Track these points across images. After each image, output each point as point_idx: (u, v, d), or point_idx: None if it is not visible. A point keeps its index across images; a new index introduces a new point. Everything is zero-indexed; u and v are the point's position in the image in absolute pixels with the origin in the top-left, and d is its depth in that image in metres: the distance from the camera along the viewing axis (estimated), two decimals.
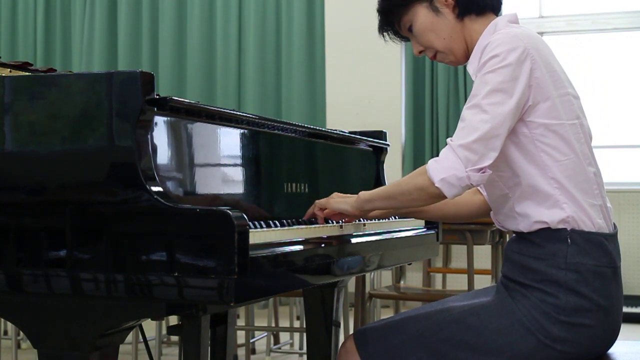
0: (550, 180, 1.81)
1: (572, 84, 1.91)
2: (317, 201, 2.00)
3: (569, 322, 1.79)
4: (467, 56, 1.98)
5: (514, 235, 1.93)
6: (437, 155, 1.83)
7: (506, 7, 2.67)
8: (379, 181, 2.60)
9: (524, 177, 1.83)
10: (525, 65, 1.79)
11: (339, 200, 1.98)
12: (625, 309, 4.96)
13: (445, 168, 1.77)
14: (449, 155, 1.78)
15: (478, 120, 1.77)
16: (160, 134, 1.63)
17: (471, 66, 1.93)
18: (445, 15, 1.95)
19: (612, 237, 1.87)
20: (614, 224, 1.92)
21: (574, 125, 1.84)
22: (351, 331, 3.86)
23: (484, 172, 1.77)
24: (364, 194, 1.95)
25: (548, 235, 1.82)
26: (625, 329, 1.95)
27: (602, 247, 1.82)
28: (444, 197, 1.81)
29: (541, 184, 1.82)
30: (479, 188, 2.15)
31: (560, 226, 1.81)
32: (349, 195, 2.01)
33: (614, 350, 1.90)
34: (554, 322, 1.78)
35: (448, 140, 1.81)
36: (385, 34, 2.07)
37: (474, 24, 1.96)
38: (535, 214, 1.83)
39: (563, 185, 1.81)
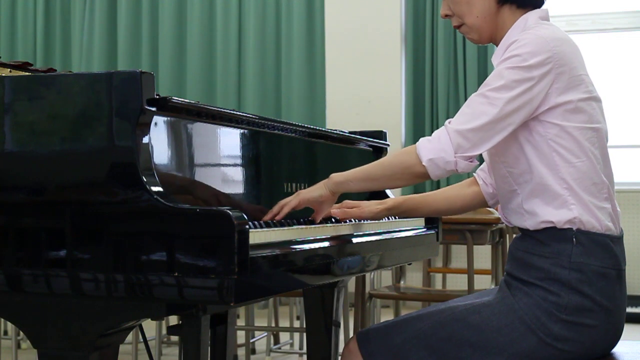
0: (560, 180, 1.81)
1: (594, 85, 1.87)
2: (283, 201, 1.91)
3: (571, 321, 1.78)
4: (490, 40, 1.95)
5: (519, 233, 1.93)
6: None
7: None
8: None
9: (535, 175, 1.82)
10: (544, 70, 1.77)
11: (308, 190, 1.94)
12: (627, 309, 4.94)
13: (436, 149, 1.80)
14: (442, 137, 1.81)
15: (481, 110, 1.78)
16: (160, 134, 1.63)
17: (496, 58, 1.90)
18: None
19: (619, 240, 1.87)
20: (621, 228, 1.91)
21: (591, 129, 1.82)
22: (351, 331, 3.86)
23: (471, 161, 1.81)
24: (336, 175, 1.94)
25: (554, 234, 1.81)
26: (627, 329, 1.95)
27: (607, 249, 1.82)
28: (427, 177, 1.84)
29: (551, 184, 1.81)
30: (477, 179, 2.15)
31: (567, 226, 1.80)
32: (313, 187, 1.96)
33: (615, 350, 1.90)
34: (556, 321, 1.78)
35: (446, 122, 1.82)
36: None
37: (510, 14, 1.91)
38: (543, 213, 1.82)
39: (572, 187, 1.80)
